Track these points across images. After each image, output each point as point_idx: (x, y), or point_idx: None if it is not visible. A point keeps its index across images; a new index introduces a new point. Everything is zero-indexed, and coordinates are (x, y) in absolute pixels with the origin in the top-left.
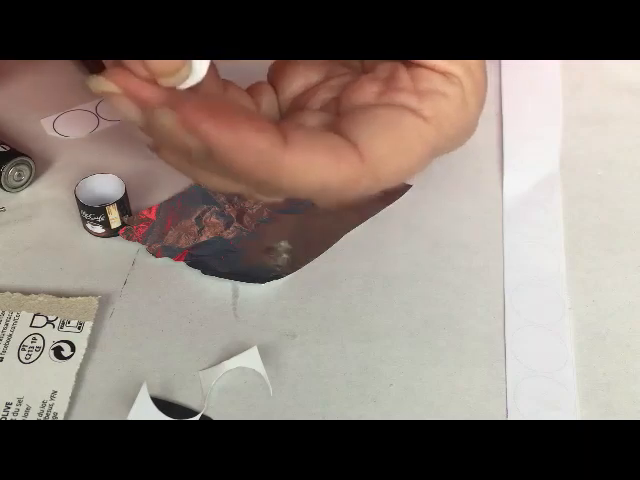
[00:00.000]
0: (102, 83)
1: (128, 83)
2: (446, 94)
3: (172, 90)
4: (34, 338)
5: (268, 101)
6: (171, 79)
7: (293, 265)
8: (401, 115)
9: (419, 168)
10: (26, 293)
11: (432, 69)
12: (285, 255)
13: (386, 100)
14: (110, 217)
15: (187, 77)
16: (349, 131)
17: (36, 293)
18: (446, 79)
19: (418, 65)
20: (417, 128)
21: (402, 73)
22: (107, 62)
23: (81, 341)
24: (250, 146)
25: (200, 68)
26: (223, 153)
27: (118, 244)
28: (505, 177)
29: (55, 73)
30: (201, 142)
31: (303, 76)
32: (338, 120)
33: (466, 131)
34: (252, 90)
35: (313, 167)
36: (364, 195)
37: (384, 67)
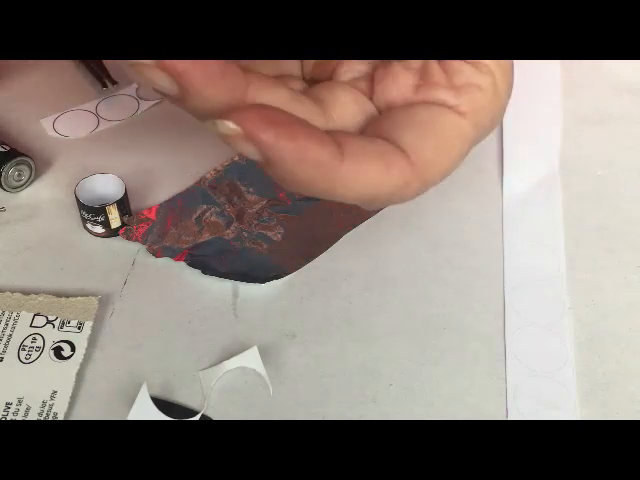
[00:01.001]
0: (227, 127)
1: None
2: (480, 86)
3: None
4: (34, 338)
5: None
6: None
7: (293, 265)
8: (442, 115)
9: (459, 164)
10: (26, 293)
11: (463, 60)
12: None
13: (423, 96)
14: (110, 217)
15: None
16: (394, 135)
17: (36, 293)
18: (477, 70)
19: None
20: (457, 126)
21: (434, 65)
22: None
23: (81, 341)
24: (310, 157)
25: None
26: (282, 164)
27: (118, 244)
28: (505, 177)
29: (55, 73)
30: (260, 152)
31: None
32: (377, 121)
33: (497, 119)
34: None
35: (367, 176)
36: (412, 199)
37: None
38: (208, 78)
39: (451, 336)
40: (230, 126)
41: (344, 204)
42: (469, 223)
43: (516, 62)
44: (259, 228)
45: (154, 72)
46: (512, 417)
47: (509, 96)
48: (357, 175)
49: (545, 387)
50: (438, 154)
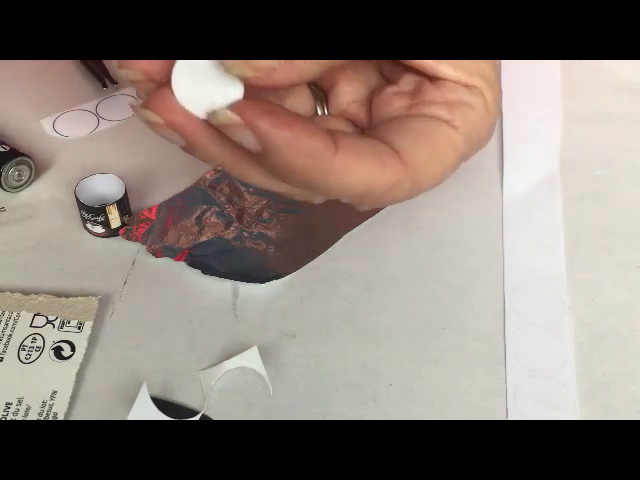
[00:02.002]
0: (148, 114)
1: (171, 114)
2: (471, 105)
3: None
4: (34, 338)
5: (298, 101)
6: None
7: (293, 265)
8: (436, 125)
9: (449, 174)
10: (26, 293)
11: (456, 82)
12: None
13: (416, 111)
14: (110, 217)
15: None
16: (389, 139)
17: (36, 293)
18: (469, 91)
19: (441, 78)
20: (450, 137)
21: (428, 86)
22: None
23: (81, 341)
24: (304, 146)
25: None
26: (278, 152)
27: (118, 244)
28: (505, 177)
29: (55, 73)
30: (257, 140)
31: (357, 82)
32: (374, 130)
33: (487, 136)
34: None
35: (360, 171)
36: (402, 200)
37: (408, 80)
38: (213, 138)
39: (451, 336)
40: (229, 115)
41: (344, 204)
42: (469, 223)
43: (516, 62)
44: (259, 228)
45: (164, 129)
46: (512, 417)
47: (497, 117)
48: (350, 168)
49: (545, 387)
50: (430, 160)
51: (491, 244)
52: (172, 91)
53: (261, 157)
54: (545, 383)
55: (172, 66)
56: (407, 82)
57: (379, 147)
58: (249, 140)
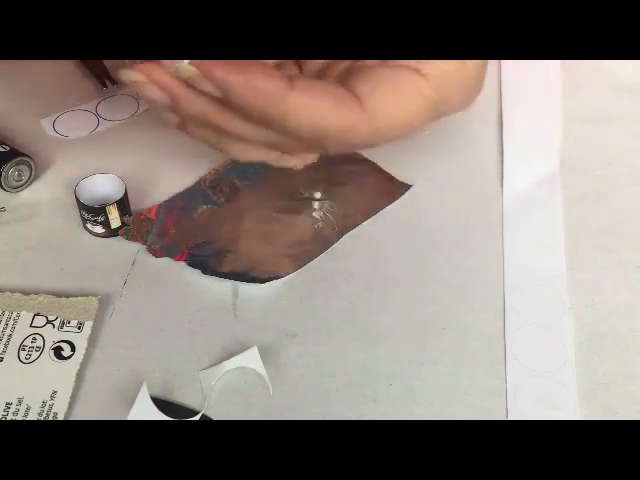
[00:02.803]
0: (131, 74)
1: (151, 72)
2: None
3: None
4: (34, 338)
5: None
6: None
7: (293, 265)
8: (402, 71)
9: (419, 123)
10: (26, 293)
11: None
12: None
13: (386, 63)
14: (110, 217)
15: None
16: (351, 84)
17: (36, 293)
18: None
19: None
20: (415, 83)
21: None
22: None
23: (81, 341)
24: (257, 87)
25: None
26: (236, 95)
27: (118, 244)
28: (505, 177)
29: (55, 73)
30: (216, 87)
31: None
32: (343, 78)
33: (469, 91)
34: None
35: (315, 110)
36: (367, 145)
37: None
38: (190, 92)
39: (451, 336)
40: (188, 67)
41: (344, 206)
42: (469, 223)
43: (516, 62)
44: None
45: (148, 88)
46: (512, 417)
47: (481, 72)
48: (305, 106)
49: (545, 387)
50: (391, 104)
51: (491, 244)
52: None
53: (227, 102)
54: (545, 383)
55: None
56: None
57: (338, 90)
58: (210, 88)
